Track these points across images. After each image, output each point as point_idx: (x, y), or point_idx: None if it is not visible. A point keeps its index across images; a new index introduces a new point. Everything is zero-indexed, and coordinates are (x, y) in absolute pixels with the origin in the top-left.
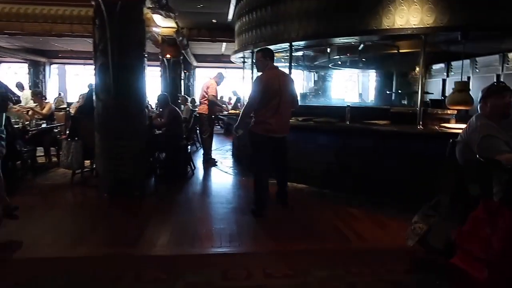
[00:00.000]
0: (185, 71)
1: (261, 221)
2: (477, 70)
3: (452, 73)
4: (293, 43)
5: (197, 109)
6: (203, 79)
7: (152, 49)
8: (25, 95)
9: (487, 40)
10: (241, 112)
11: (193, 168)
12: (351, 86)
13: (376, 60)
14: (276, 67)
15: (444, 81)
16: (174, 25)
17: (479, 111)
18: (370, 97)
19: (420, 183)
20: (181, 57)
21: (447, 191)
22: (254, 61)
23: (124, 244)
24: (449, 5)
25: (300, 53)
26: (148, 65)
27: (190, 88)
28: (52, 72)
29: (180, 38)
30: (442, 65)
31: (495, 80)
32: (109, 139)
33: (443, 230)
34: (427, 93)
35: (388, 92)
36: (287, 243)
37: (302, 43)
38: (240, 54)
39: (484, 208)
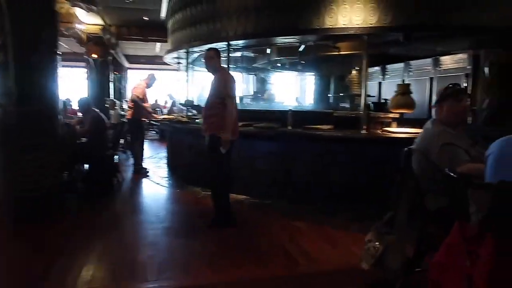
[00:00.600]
0: (115, 72)
1: (197, 244)
2: (410, 74)
3: (388, 76)
4: (232, 43)
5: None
6: (136, 81)
7: (77, 48)
8: None
9: (427, 42)
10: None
11: (120, 180)
12: (290, 89)
13: (316, 62)
14: None
15: (380, 84)
16: (100, 21)
17: (433, 116)
18: (308, 101)
19: (368, 189)
20: (110, 58)
21: (403, 206)
22: (204, 59)
23: (24, 285)
24: (392, 5)
25: (238, 54)
26: (72, 66)
27: (122, 91)
28: None
29: (108, 36)
30: (377, 68)
31: (450, 83)
32: (12, 152)
33: (400, 249)
34: (369, 96)
35: (329, 95)
36: (226, 271)
37: (240, 42)
38: (174, 54)
39: (460, 233)
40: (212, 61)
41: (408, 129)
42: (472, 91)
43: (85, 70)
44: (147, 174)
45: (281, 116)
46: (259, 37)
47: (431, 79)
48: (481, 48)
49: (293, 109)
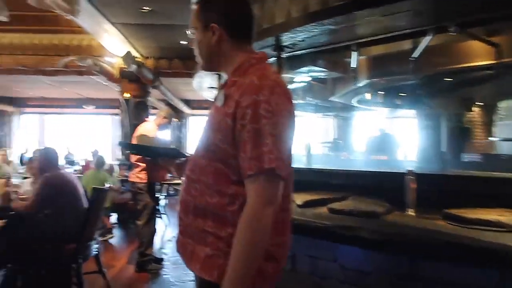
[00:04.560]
0: (175, 119)
1: None
2: None
3: None
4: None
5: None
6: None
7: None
8: None
9: None
10: None
11: None
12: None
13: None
14: None
15: None
16: (135, 53)
17: None
18: (411, 154)
19: None
20: (148, 98)
21: None
22: None
23: None
24: None
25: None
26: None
27: (182, 141)
28: (24, 123)
29: (140, 69)
30: None
31: None
32: None
33: None
34: None
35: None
36: None
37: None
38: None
39: None
40: None
41: None
42: None
43: (116, 114)
44: (158, 270)
45: (384, 182)
46: (336, 15)
47: None
48: None
49: (415, 171)
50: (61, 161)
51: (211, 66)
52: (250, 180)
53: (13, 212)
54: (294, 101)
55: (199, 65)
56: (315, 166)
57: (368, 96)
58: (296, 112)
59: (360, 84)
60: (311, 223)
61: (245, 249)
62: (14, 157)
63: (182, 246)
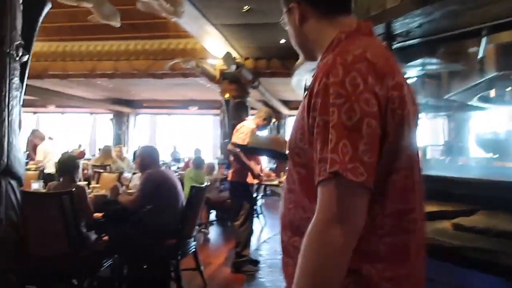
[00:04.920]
0: (275, 120)
1: None
2: None
3: None
4: (396, 26)
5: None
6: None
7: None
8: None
9: None
10: None
11: None
12: None
13: None
14: None
15: None
16: (235, 54)
17: None
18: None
19: None
20: (247, 98)
21: None
22: None
23: None
24: None
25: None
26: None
27: None
28: (138, 123)
29: (240, 69)
30: None
31: None
32: None
33: None
34: None
35: None
36: None
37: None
38: None
39: None
40: None
41: None
42: None
43: (217, 114)
44: (253, 272)
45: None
46: None
47: None
48: None
49: None
50: (168, 159)
51: (306, 53)
52: (318, 190)
53: (118, 206)
54: (403, 83)
55: (301, 58)
56: (431, 172)
57: (492, 93)
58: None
59: (487, 78)
60: (432, 241)
61: (304, 276)
62: (128, 154)
63: (283, 266)
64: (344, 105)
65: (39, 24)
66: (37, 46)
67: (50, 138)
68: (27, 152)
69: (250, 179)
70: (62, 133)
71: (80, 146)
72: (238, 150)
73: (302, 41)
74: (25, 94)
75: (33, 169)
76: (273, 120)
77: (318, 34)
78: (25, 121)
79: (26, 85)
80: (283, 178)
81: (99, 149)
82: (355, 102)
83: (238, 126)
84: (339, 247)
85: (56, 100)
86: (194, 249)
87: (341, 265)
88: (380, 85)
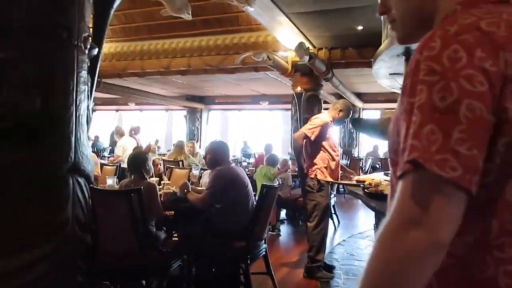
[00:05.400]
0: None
1: None
2: None
3: None
4: None
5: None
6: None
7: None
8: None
9: None
10: None
11: None
12: None
13: None
14: None
15: None
16: (308, 44)
17: None
18: None
19: None
20: (320, 91)
21: None
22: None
23: None
24: None
25: None
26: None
27: (354, 136)
28: (210, 118)
29: (313, 60)
30: None
31: None
32: None
33: None
34: None
35: None
36: None
37: None
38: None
39: None
40: None
41: None
42: None
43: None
44: (328, 279)
45: None
46: None
47: None
48: None
49: None
50: (238, 154)
51: (410, 31)
52: (397, 186)
53: (187, 204)
54: None
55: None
56: None
57: None
58: None
59: None
60: None
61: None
62: (201, 150)
63: None
64: (438, 84)
65: (110, 16)
66: (118, 46)
67: (132, 134)
68: (110, 148)
69: (322, 176)
70: (141, 129)
71: (157, 141)
72: (302, 142)
73: (412, 12)
74: (106, 92)
75: (111, 164)
76: (351, 112)
77: (432, 6)
78: (108, 118)
79: (108, 83)
80: (362, 176)
81: (173, 145)
82: (453, 80)
83: (312, 118)
84: (418, 254)
85: (135, 98)
86: (265, 252)
87: (417, 278)
88: (493, 60)
